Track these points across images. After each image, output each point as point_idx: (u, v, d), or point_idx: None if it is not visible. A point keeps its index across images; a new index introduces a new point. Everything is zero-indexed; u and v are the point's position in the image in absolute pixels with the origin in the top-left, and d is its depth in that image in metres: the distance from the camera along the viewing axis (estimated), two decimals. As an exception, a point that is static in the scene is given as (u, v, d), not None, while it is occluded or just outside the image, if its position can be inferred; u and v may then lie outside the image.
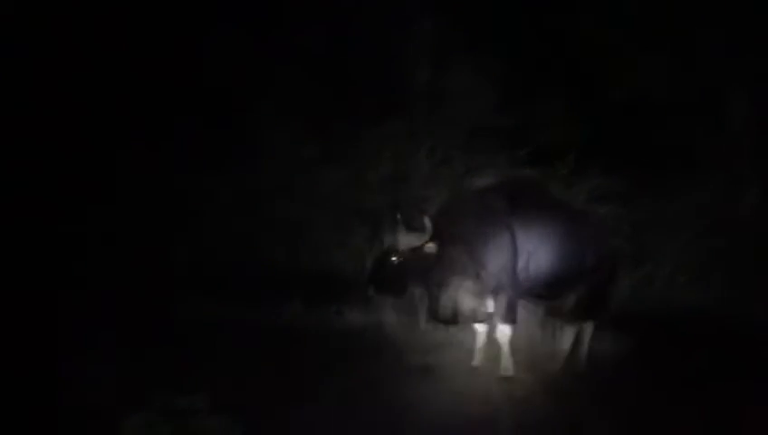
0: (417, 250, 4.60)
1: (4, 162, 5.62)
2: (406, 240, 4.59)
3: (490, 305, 4.87)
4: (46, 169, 5.83)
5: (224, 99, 6.17)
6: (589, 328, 5.39)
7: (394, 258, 4.60)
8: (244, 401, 3.68)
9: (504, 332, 4.89)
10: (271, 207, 6.04)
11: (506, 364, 4.95)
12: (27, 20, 5.92)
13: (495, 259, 4.74)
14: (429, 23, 6.23)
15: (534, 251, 4.84)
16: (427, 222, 4.56)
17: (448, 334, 5.71)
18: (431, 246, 4.60)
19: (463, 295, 4.81)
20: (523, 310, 5.83)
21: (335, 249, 5.96)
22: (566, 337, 5.34)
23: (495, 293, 4.82)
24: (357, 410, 4.18)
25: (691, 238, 7.02)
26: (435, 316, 4.97)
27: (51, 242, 5.63)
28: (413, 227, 4.64)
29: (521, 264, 4.81)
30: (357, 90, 6.25)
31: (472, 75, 6.36)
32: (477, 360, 5.14)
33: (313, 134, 5.97)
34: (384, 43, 6.39)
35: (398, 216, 4.74)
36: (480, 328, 5.11)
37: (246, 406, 3.66)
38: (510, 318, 4.86)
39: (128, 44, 6.06)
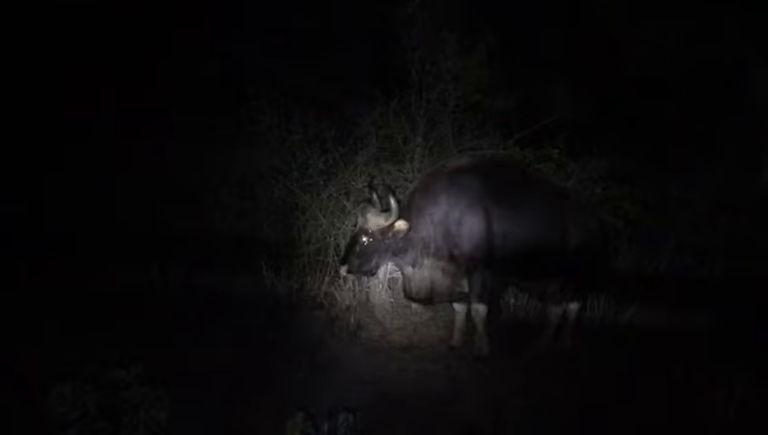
0: (386, 230, 4.64)
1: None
2: (374, 220, 4.63)
3: (465, 285, 4.89)
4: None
5: (218, 82, 6.32)
6: (574, 309, 5.35)
7: (364, 239, 4.66)
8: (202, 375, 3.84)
9: (478, 311, 4.91)
10: (263, 188, 6.16)
11: (481, 344, 4.97)
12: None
13: (469, 239, 4.75)
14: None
15: (512, 231, 4.81)
16: (393, 201, 4.59)
17: (433, 314, 5.78)
18: (401, 225, 4.64)
19: (437, 275, 4.85)
20: (506, 291, 5.90)
21: (327, 230, 6.04)
22: (551, 318, 5.32)
23: (470, 273, 4.83)
24: (332, 385, 4.33)
25: (697, 217, 6.83)
26: (409, 295, 5.03)
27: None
28: (385, 207, 4.68)
29: (498, 244, 4.79)
30: (350, 71, 6.29)
31: (466, 55, 6.28)
32: (456, 339, 5.18)
33: (306, 116, 6.04)
34: (375, 23, 6.39)
35: (373, 195, 4.79)
36: (459, 308, 5.15)
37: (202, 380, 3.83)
38: (484, 298, 4.86)
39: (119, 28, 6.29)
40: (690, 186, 6.96)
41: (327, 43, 6.32)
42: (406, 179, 6.18)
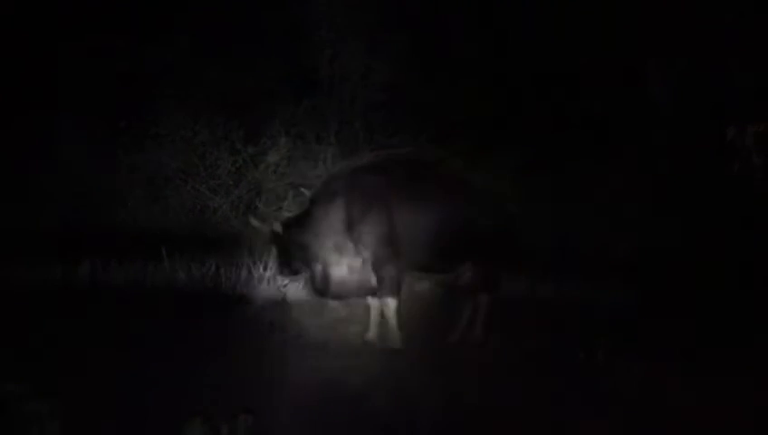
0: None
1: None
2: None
3: (373, 280, 4.95)
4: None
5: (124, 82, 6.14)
6: (485, 300, 5.46)
7: (272, 247, 4.77)
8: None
9: (389, 305, 4.97)
10: (172, 190, 6.04)
11: (394, 337, 5.03)
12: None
13: (372, 235, 4.83)
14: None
15: (416, 225, 4.91)
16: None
17: (351, 310, 5.80)
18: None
19: (342, 271, 4.92)
20: (420, 284, 5.98)
21: (240, 231, 5.98)
22: (463, 310, 5.42)
23: (376, 267, 4.91)
24: (242, 387, 4.27)
25: (601, 207, 7.12)
26: (316, 292, 5.08)
27: None
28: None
29: (403, 238, 4.87)
30: (259, 71, 6.24)
31: (374, 54, 6.35)
32: (371, 334, 5.22)
33: (216, 116, 5.96)
34: (284, 24, 6.37)
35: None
36: (373, 302, 5.20)
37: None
38: (393, 291, 4.94)
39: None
40: (597, 175, 7.25)
41: (236, 41, 6.23)
42: (319, 177, 6.18)
